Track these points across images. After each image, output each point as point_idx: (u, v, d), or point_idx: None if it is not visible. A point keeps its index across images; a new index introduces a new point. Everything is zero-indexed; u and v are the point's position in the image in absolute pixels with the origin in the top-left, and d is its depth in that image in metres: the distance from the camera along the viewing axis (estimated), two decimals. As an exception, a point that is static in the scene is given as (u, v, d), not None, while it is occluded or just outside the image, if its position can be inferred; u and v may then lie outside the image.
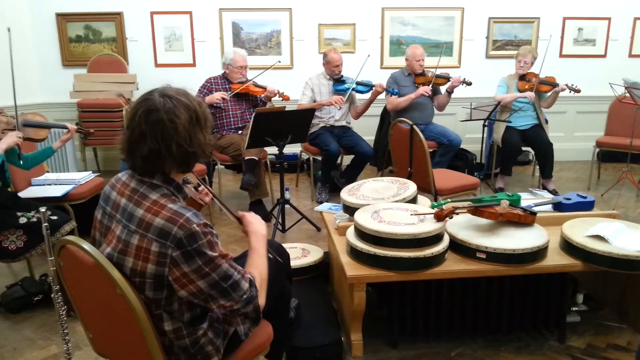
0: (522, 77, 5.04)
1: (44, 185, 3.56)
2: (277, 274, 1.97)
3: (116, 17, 5.73)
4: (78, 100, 5.45)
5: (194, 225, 1.45)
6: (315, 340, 2.43)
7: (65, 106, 5.69)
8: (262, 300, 1.65)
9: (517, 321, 2.62)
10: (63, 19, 5.69)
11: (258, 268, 1.72)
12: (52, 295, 2.20)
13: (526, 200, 3.18)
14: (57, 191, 3.40)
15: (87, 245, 1.46)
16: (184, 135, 1.49)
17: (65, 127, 3.20)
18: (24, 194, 3.30)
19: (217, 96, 4.48)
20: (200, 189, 1.99)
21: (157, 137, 1.47)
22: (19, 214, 2.80)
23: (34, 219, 2.80)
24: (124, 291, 1.41)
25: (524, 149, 5.36)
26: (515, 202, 2.69)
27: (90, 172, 3.88)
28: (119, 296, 1.42)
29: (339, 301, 2.88)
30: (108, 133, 5.09)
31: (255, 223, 1.87)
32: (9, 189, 2.97)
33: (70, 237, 1.51)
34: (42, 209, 2.18)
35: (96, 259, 1.43)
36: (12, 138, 2.81)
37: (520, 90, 5.01)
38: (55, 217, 2.86)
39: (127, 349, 1.63)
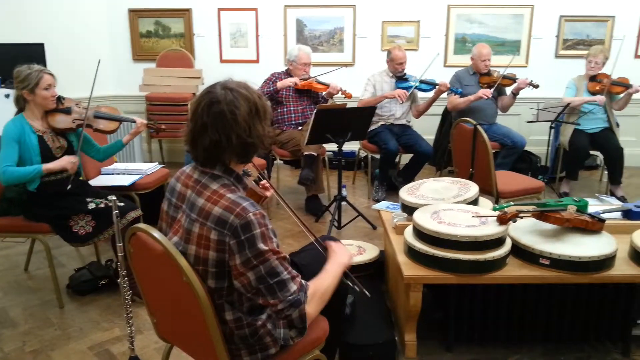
0: (593, 78, 4.83)
1: (112, 174, 3.73)
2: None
3: (185, 14, 5.91)
4: (146, 94, 5.66)
5: (250, 215, 1.49)
6: (369, 338, 2.42)
7: (135, 99, 5.93)
8: (311, 310, 1.62)
9: (579, 331, 2.53)
10: (135, 14, 5.93)
11: (319, 281, 1.70)
12: (118, 280, 2.31)
13: (593, 206, 3.04)
14: (124, 180, 3.55)
15: (157, 234, 1.52)
16: (243, 127, 1.54)
17: (133, 121, 3.31)
18: (94, 182, 3.46)
19: (289, 80, 4.56)
20: (261, 182, 2.04)
21: (218, 128, 1.53)
22: (88, 199, 2.94)
23: (102, 205, 2.93)
24: (190, 279, 1.46)
25: (591, 152, 5.13)
26: (582, 208, 2.59)
27: (156, 163, 4.02)
28: (185, 284, 1.48)
29: (393, 301, 2.87)
30: (173, 126, 5.24)
31: (337, 252, 1.89)
32: (80, 178, 3.12)
33: (141, 225, 1.58)
34: (112, 197, 2.29)
35: (165, 247, 1.49)
36: (62, 162, 2.87)
37: (590, 92, 4.80)
38: (122, 204, 2.99)
39: (190, 335, 1.69)
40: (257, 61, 6.01)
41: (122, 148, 3.32)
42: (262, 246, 1.49)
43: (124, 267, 2.25)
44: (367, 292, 1.96)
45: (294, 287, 1.56)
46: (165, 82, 5.73)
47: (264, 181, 2.07)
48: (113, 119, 3.25)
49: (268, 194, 2.04)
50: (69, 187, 2.87)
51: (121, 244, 2.23)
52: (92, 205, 2.92)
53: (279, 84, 4.55)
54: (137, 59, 6.06)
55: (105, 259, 3.40)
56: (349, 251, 1.94)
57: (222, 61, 6.03)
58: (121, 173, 3.73)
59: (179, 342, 1.81)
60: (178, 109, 5.56)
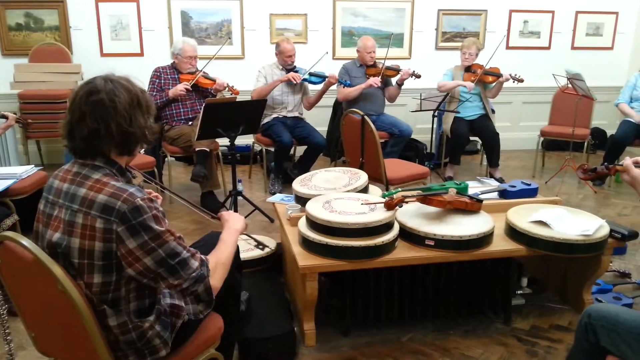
0: (468, 69, 5.14)
1: (-18, 180, 3.41)
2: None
3: (59, 5, 5.49)
4: (19, 91, 5.22)
5: (138, 199, 1.46)
6: (268, 331, 2.42)
7: (6, 97, 5.43)
8: (215, 282, 1.67)
9: (464, 305, 2.70)
10: (2, 6, 5.42)
11: (218, 253, 1.76)
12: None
13: (473, 188, 3.26)
14: (-3, 186, 3.26)
15: (25, 241, 1.41)
16: (123, 115, 1.51)
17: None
18: (-39, 189, 3.15)
19: (180, 87, 4.40)
20: (147, 191, 1.93)
21: (97, 117, 1.49)
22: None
23: None
24: (66, 287, 1.37)
25: (472, 138, 5.48)
26: (462, 190, 2.75)
27: (33, 165, 3.74)
28: (60, 293, 1.38)
29: (292, 292, 2.89)
30: (52, 125, 4.91)
31: (230, 220, 1.96)
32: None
33: (9, 233, 1.46)
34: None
35: (36, 254, 1.39)
36: None
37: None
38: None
39: (71, 347, 1.59)
40: (141, 54, 5.74)
41: None
42: (157, 227, 1.48)
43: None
44: (268, 247, 2.08)
45: (195, 263, 1.58)
46: (40, 79, 5.30)
47: (150, 190, 1.96)
48: None
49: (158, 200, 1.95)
50: None
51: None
52: None
53: (171, 93, 4.41)
54: (7, 54, 5.55)
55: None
56: (242, 217, 2.01)
57: (103, 55, 5.69)
58: (-8, 178, 3.42)
59: (62, 355, 1.70)
60: (56, 106, 5.16)
